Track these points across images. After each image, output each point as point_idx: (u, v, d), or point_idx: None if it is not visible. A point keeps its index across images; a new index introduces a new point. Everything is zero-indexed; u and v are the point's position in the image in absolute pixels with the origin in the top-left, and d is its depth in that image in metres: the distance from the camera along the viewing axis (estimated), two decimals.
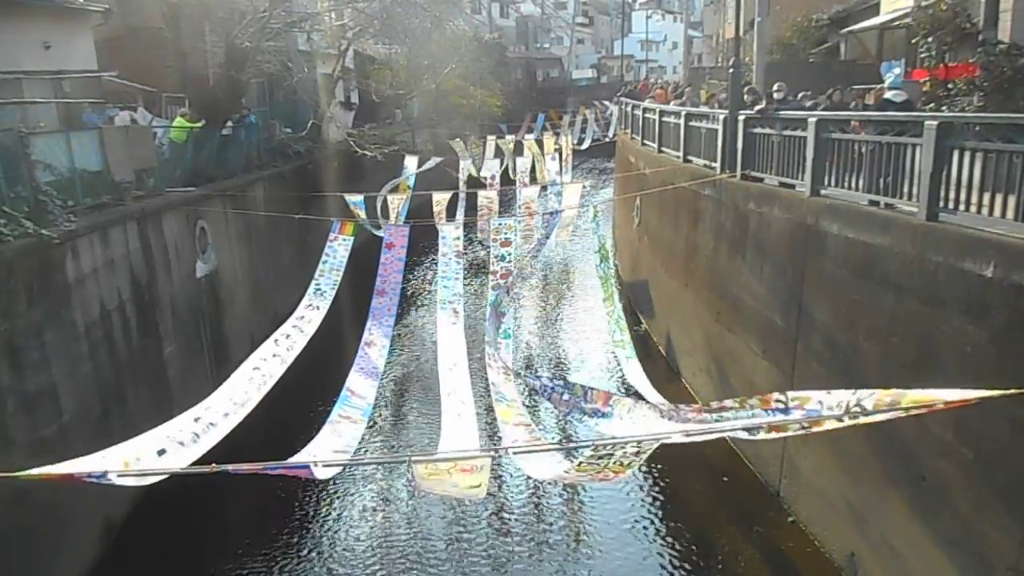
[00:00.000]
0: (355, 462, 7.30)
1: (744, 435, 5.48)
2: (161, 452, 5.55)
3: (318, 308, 10.06)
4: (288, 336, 9.11)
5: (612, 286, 11.83)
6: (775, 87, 12.53)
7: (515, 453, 6.31)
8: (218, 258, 14.14)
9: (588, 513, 10.21)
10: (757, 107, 11.46)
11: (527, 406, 9.29)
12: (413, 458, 5.06)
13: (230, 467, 3.89)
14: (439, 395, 8.86)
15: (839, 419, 4.50)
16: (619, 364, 11.28)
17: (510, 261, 11.02)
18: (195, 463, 5.75)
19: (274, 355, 8.56)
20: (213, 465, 4.00)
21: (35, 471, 4.21)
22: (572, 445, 10.11)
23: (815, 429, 4.71)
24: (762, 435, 5.09)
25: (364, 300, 11.01)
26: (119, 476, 4.47)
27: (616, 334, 11.17)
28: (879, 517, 7.68)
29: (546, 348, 17.10)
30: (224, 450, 6.41)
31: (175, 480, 10.72)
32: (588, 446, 4.73)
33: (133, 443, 5.47)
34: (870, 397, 4.51)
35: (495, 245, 11.32)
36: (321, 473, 5.14)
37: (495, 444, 9.27)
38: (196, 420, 6.51)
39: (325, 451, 6.87)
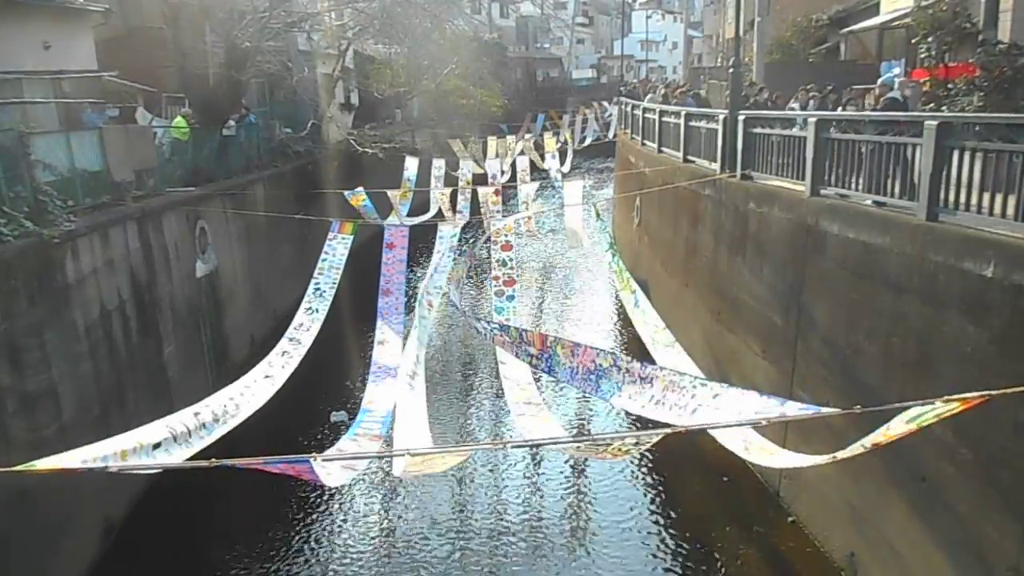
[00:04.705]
0: (354, 456, 7.31)
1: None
2: (156, 446, 5.52)
3: (317, 311, 10.00)
4: (284, 353, 9.05)
5: (627, 276, 11.41)
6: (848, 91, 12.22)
7: (513, 447, 6.28)
8: (218, 258, 14.14)
9: (588, 513, 10.21)
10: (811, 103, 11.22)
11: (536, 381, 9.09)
12: (411, 451, 5.07)
13: (229, 461, 3.85)
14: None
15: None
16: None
17: (512, 267, 10.75)
18: (193, 458, 5.72)
19: (267, 376, 8.47)
20: (213, 460, 3.97)
21: (37, 464, 4.17)
22: (572, 440, 10.05)
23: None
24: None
25: (366, 302, 10.93)
26: (118, 467, 4.41)
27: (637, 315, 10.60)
28: (879, 517, 7.68)
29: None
30: (224, 445, 6.40)
31: (175, 481, 10.74)
32: (586, 441, 4.70)
33: (132, 435, 5.43)
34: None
35: (496, 249, 10.98)
36: (324, 477, 5.07)
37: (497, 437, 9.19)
38: (196, 415, 6.48)
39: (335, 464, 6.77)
